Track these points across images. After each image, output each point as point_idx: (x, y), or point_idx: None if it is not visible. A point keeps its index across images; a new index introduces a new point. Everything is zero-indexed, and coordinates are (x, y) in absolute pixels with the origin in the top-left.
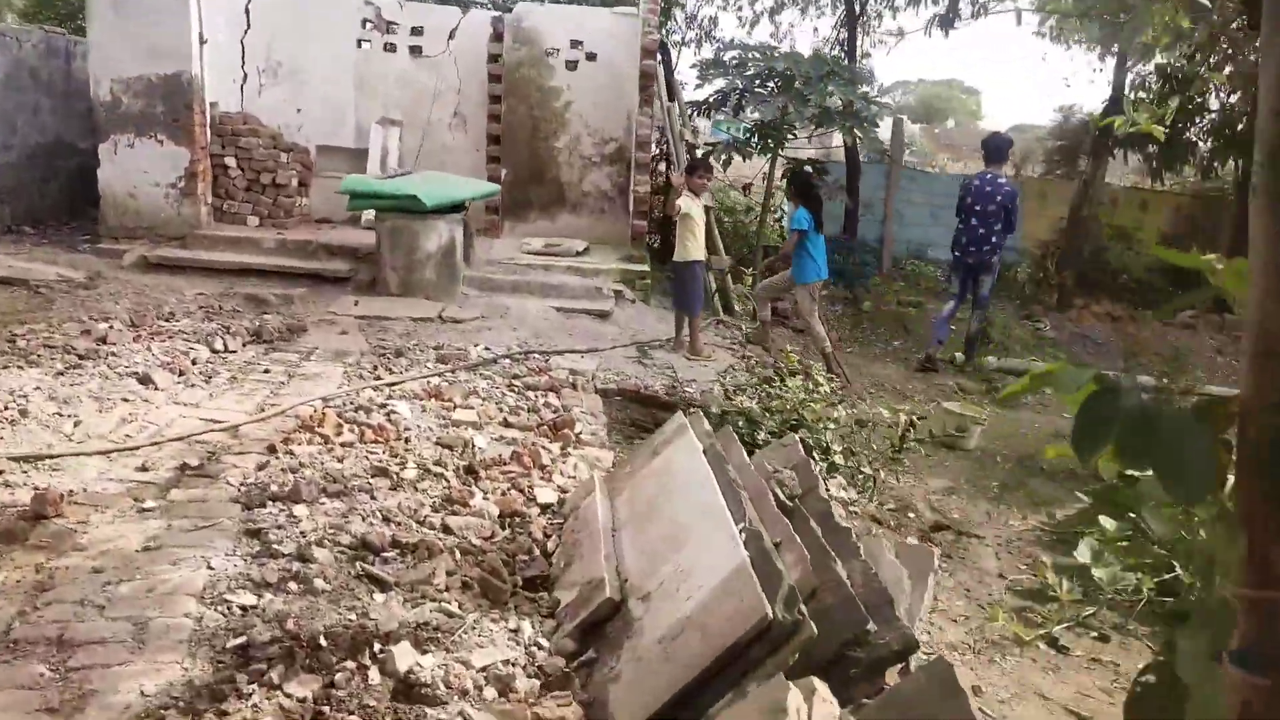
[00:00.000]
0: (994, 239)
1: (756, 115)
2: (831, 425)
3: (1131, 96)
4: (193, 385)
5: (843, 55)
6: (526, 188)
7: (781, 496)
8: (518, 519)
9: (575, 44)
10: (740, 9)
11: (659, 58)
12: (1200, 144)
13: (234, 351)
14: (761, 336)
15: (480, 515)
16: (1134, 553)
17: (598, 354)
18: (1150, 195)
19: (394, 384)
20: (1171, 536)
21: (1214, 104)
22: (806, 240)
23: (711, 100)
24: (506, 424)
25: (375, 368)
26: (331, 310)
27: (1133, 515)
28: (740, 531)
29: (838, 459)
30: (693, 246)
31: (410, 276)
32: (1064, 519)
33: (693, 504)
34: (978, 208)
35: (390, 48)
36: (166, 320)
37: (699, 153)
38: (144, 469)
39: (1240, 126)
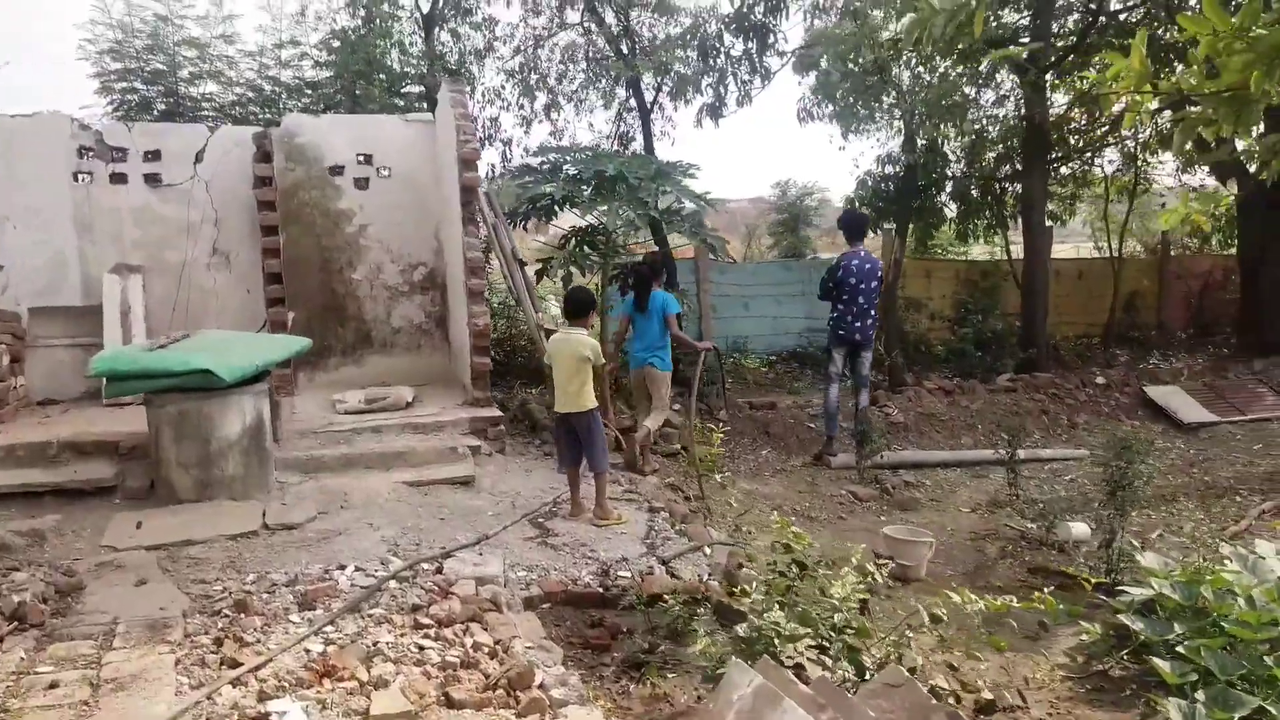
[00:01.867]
0: (874, 315)
1: (583, 223)
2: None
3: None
4: None
5: (637, 150)
6: (323, 330)
7: None
8: None
9: (364, 159)
10: (523, 108)
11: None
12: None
13: None
14: (632, 460)
15: None
16: None
17: (490, 542)
18: (932, 264)
19: (259, 667)
20: None
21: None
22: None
23: (522, 210)
24: (449, 701)
25: (219, 642)
26: (108, 544)
27: None
28: None
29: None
30: (592, 392)
31: (209, 474)
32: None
33: None
34: (862, 285)
35: (119, 178)
36: None
37: (529, 271)
38: None
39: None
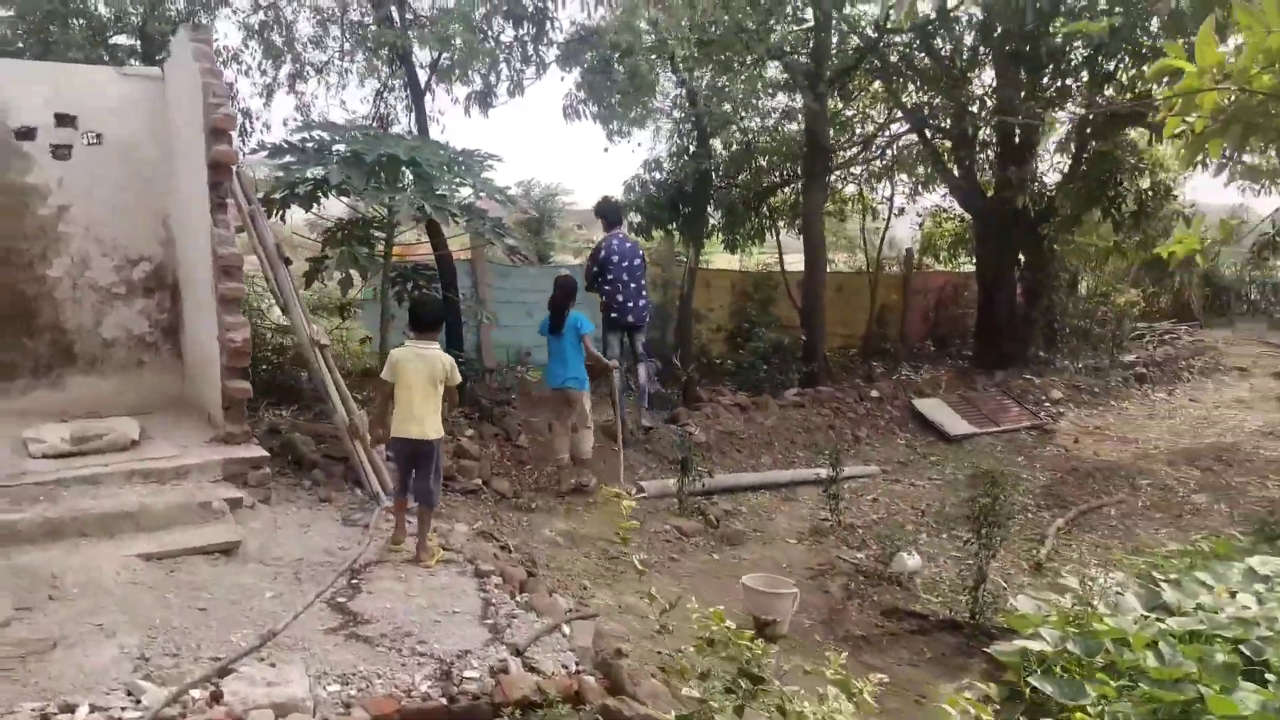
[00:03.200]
0: (645, 296)
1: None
2: None
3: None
4: None
5: (409, 132)
6: (3, 341)
7: None
8: None
9: (64, 120)
10: (264, 74)
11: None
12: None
13: None
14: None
15: None
16: None
17: (280, 640)
18: (711, 274)
19: None
20: None
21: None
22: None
23: (279, 196)
24: None
25: None
26: None
27: None
28: None
29: None
30: (440, 418)
31: None
32: None
33: None
34: (626, 264)
35: None
36: None
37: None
38: None
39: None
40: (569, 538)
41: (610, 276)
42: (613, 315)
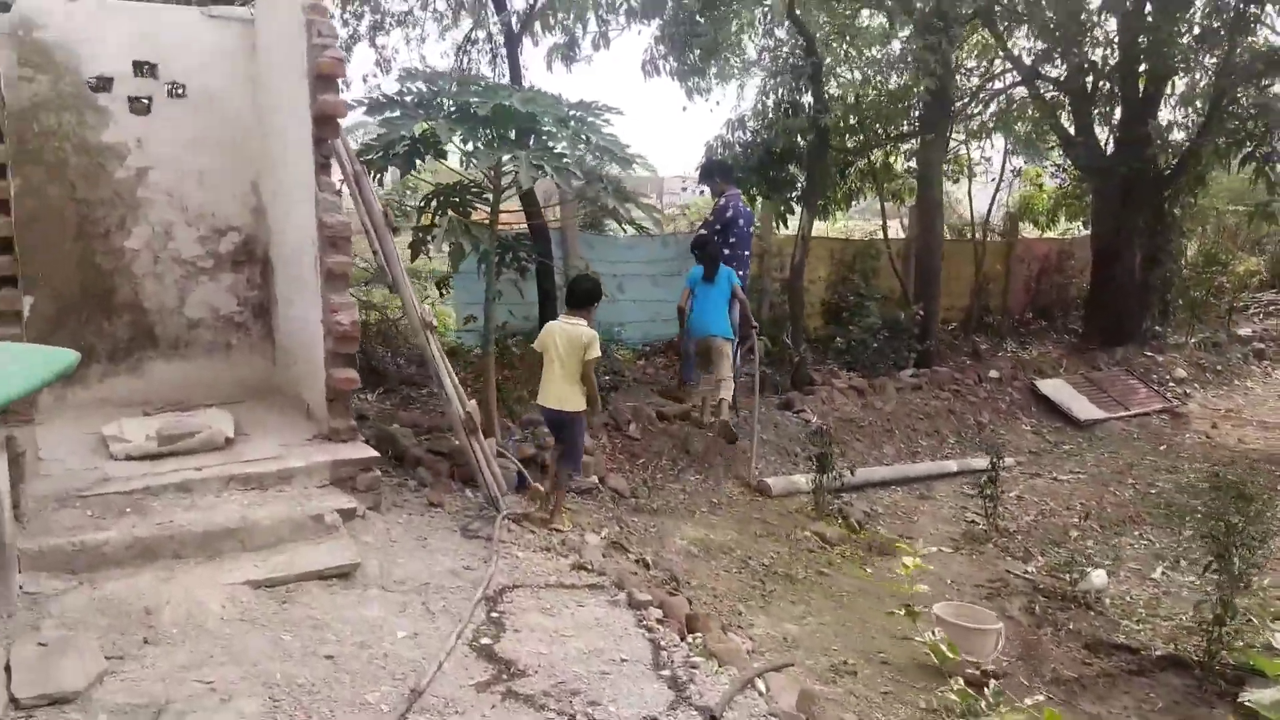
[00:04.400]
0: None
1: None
2: None
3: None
4: None
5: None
6: (80, 324)
7: None
8: None
9: (145, 69)
10: (345, 25)
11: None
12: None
13: None
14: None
15: None
16: None
17: (423, 701)
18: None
19: None
20: None
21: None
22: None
23: (377, 157)
24: None
25: None
26: None
27: None
28: None
29: None
30: (582, 392)
31: None
32: None
33: None
34: (748, 230)
35: None
36: None
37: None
38: None
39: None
40: (703, 547)
41: (733, 239)
42: (740, 275)
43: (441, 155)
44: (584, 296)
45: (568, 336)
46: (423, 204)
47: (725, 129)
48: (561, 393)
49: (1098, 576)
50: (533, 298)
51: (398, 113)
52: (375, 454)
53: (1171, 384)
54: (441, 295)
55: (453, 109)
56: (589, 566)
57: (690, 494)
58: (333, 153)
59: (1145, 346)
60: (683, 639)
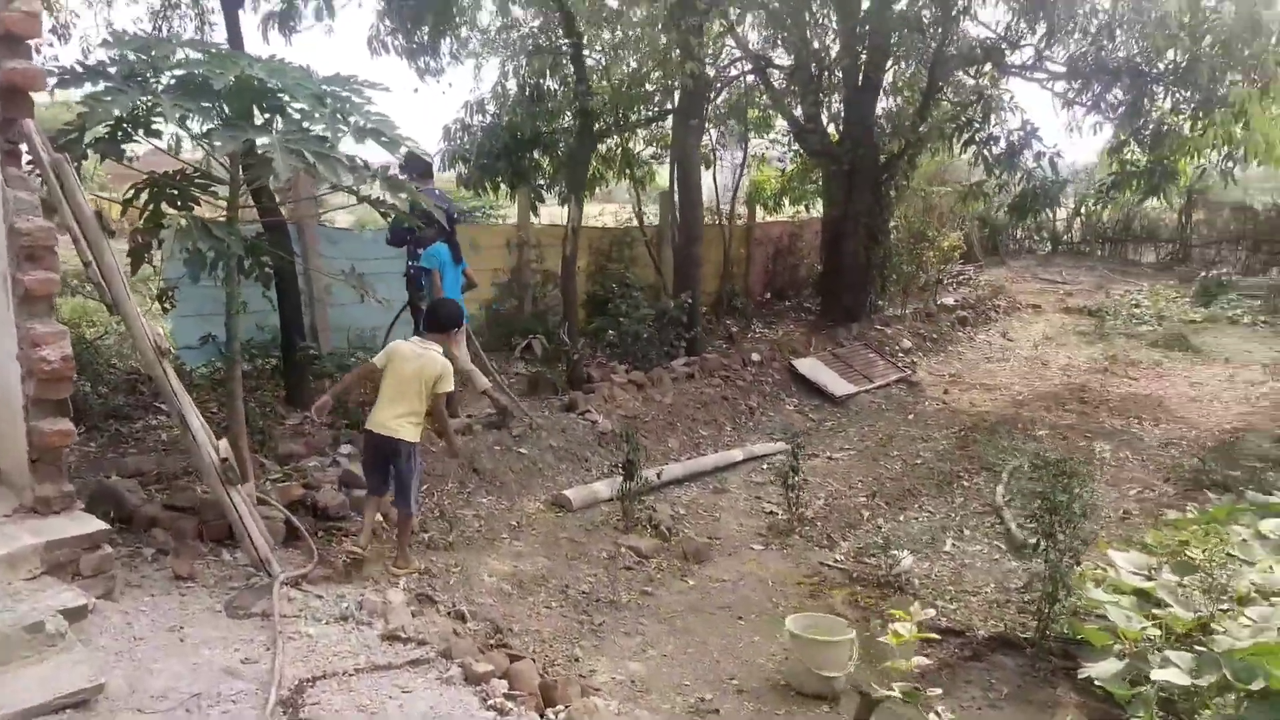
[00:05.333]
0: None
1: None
2: None
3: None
4: None
5: None
6: None
7: None
8: None
9: None
10: None
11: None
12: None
13: None
14: None
15: None
16: None
17: None
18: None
19: None
20: None
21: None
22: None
23: (74, 141)
24: None
25: None
26: None
27: None
28: None
29: None
30: (419, 424)
31: None
32: None
33: None
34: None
35: None
36: None
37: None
38: None
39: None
40: (515, 582)
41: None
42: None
43: (155, 135)
44: (446, 322)
45: (420, 362)
46: (128, 196)
47: (464, 111)
48: (394, 419)
49: (906, 559)
50: (260, 305)
51: (102, 85)
52: (102, 525)
53: (901, 354)
54: (165, 310)
55: (173, 81)
56: (402, 634)
57: (486, 519)
58: (22, 137)
59: (875, 321)
60: (541, 716)
